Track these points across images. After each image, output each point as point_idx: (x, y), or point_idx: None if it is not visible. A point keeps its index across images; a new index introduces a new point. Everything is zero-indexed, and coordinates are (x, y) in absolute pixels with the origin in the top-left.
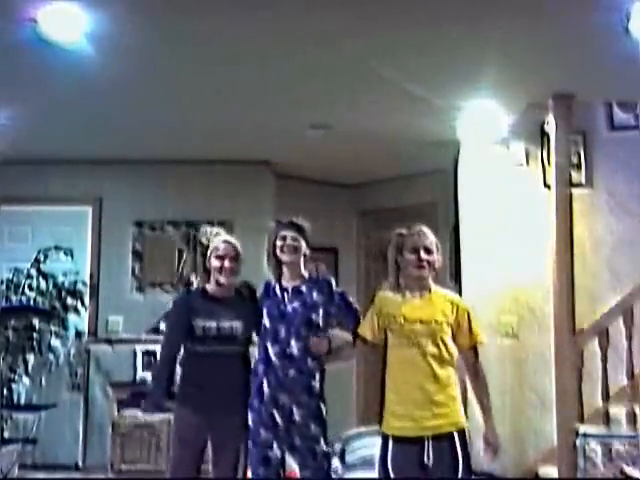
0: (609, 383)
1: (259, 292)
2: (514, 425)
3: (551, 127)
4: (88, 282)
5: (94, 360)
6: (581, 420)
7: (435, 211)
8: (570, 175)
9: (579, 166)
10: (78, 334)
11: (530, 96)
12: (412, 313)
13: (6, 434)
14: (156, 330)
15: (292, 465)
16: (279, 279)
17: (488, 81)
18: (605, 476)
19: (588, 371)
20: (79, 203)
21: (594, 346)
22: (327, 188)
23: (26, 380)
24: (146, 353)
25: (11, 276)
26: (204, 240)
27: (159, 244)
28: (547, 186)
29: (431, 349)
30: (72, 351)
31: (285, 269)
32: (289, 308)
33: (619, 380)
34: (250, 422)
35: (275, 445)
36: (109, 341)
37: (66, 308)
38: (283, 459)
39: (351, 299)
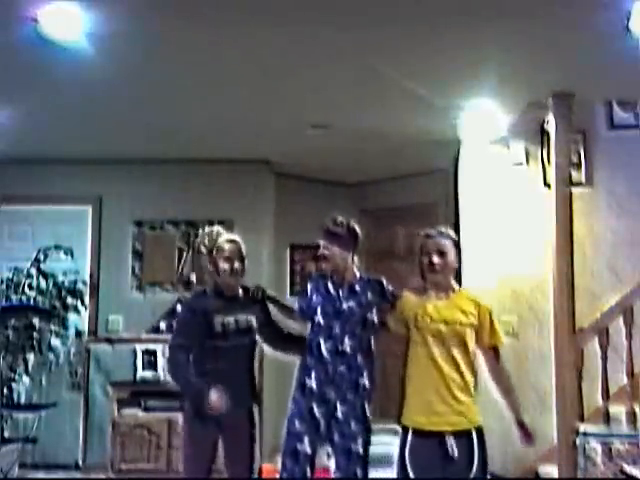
0: (609, 382)
1: (309, 286)
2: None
3: (551, 126)
4: (88, 281)
5: (94, 359)
6: (581, 419)
7: (435, 211)
8: (570, 174)
9: (579, 165)
10: (78, 333)
11: (530, 95)
12: (437, 313)
13: (6, 434)
14: (156, 329)
15: (324, 463)
16: (331, 276)
17: (488, 80)
18: (605, 475)
19: (588, 370)
20: (79, 203)
21: (594, 345)
22: (327, 187)
23: (26, 379)
24: (146, 352)
25: (11, 275)
26: (206, 242)
27: (159, 243)
28: (547, 185)
29: (455, 349)
30: (72, 350)
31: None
32: (344, 306)
33: (619, 379)
34: (290, 413)
35: (306, 439)
36: (109, 340)
37: (66, 307)
38: (314, 455)
39: None
